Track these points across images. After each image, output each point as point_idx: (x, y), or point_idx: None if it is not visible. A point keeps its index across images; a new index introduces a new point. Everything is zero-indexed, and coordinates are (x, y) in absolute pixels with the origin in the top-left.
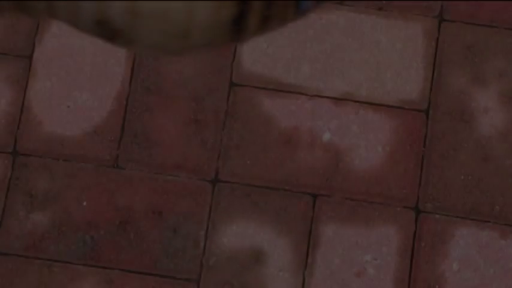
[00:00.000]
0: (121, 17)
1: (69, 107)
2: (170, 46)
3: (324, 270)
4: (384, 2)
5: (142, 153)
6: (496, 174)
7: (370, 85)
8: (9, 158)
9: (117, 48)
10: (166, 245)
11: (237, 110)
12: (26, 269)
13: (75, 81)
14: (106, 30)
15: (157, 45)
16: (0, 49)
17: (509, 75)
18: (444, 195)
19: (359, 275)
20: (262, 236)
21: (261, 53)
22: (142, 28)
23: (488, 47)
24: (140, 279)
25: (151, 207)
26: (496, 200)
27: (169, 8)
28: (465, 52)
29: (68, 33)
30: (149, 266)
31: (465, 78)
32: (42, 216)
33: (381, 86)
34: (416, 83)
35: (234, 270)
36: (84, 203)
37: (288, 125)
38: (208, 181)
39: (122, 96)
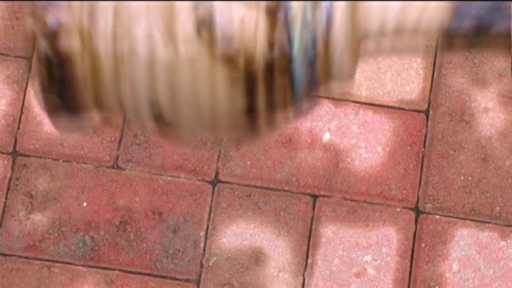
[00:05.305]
0: (165, 97)
1: None
2: (203, 133)
3: (323, 271)
4: None
5: (142, 153)
6: (496, 174)
7: (370, 85)
8: (9, 159)
9: None
10: (166, 245)
11: None
12: (26, 269)
13: None
14: (155, 111)
15: (194, 131)
16: (0, 49)
17: (509, 75)
18: (444, 195)
19: (359, 275)
20: (262, 237)
21: None
22: (181, 113)
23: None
24: (140, 280)
25: (151, 207)
26: (496, 200)
27: (197, 97)
28: (465, 52)
29: None
30: (149, 266)
31: (465, 79)
32: (42, 216)
33: (381, 86)
34: (416, 83)
35: (234, 270)
36: (84, 204)
37: (288, 125)
38: (208, 182)
39: None
